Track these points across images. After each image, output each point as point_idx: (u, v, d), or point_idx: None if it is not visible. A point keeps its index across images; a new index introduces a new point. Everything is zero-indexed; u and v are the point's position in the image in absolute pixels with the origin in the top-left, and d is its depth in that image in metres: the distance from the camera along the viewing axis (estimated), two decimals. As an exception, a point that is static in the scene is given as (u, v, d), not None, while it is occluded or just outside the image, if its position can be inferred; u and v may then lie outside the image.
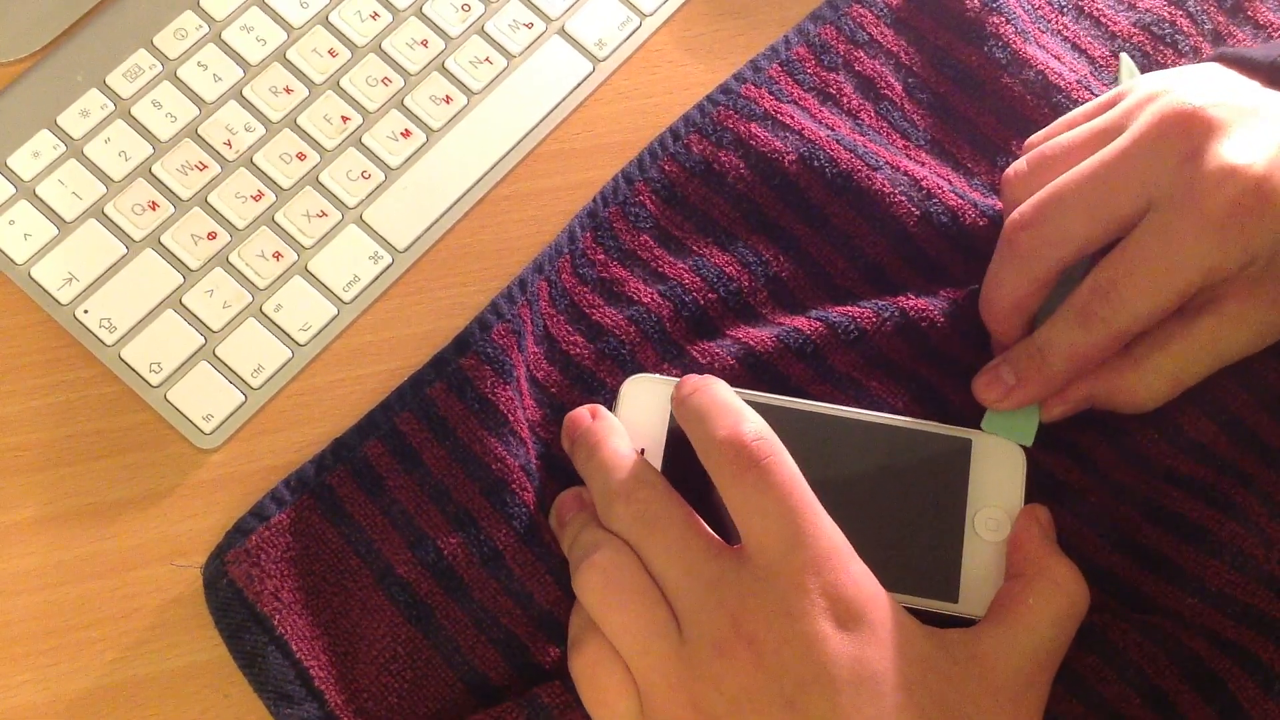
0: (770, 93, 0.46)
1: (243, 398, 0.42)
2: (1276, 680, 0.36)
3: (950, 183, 0.44)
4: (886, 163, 0.44)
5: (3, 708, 0.39)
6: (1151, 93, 0.38)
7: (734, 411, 0.36)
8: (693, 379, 0.38)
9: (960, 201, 0.43)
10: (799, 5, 0.48)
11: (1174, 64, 0.47)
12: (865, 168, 0.44)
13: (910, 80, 0.47)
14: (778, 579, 0.34)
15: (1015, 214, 0.39)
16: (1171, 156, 0.36)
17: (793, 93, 0.46)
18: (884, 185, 0.44)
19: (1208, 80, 0.38)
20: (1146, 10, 0.47)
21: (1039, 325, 0.39)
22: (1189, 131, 0.36)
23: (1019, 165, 0.40)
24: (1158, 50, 0.47)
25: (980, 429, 0.40)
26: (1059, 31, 0.48)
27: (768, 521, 0.34)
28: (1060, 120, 0.42)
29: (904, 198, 0.43)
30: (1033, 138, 0.42)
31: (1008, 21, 0.46)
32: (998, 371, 0.39)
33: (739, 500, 0.35)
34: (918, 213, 0.43)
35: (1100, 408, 0.40)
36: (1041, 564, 0.37)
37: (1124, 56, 0.46)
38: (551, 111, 0.47)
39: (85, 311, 0.43)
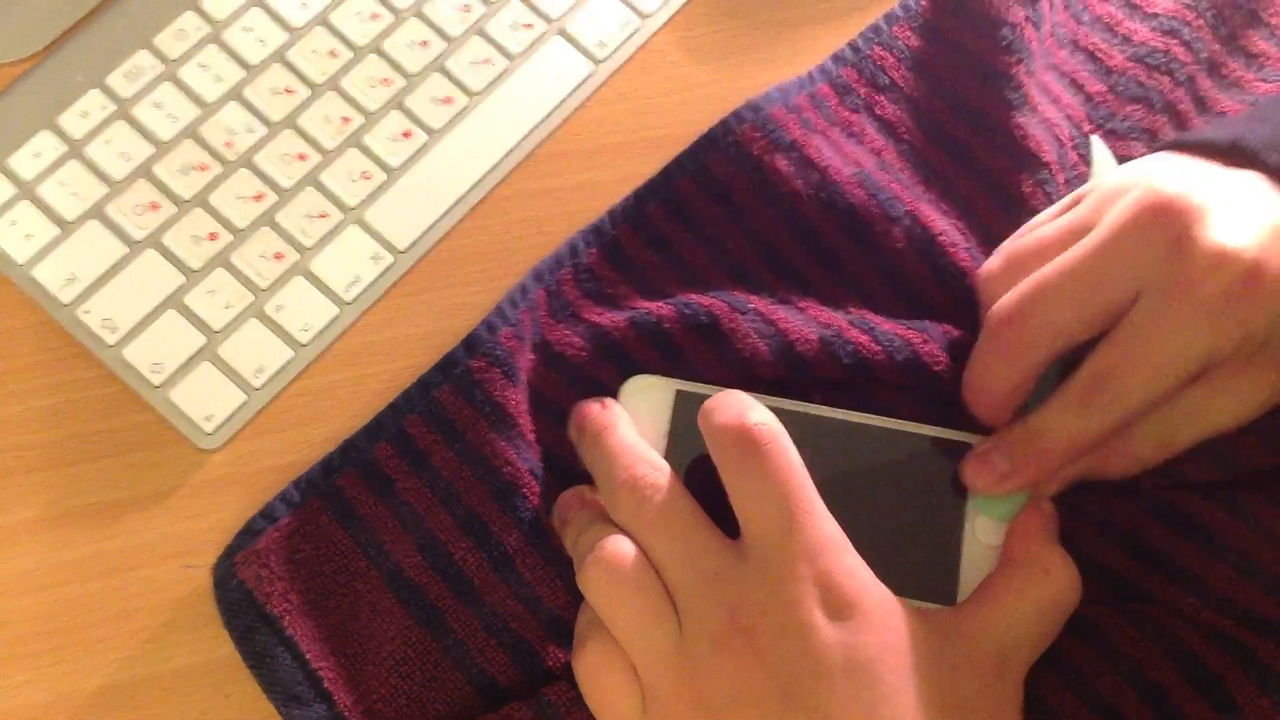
0: (800, 121, 0.45)
1: (244, 398, 0.42)
2: (1273, 678, 0.36)
3: (965, 238, 0.44)
4: (906, 212, 0.43)
5: (4, 707, 0.39)
6: (1120, 186, 0.38)
7: (741, 402, 0.36)
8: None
9: (974, 263, 0.43)
10: (799, 6, 0.49)
11: (1171, 92, 0.46)
12: (884, 218, 0.43)
13: (930, 127, 0.46)
14: (772, 567, 0.34)
15: (998, 308, 0.38)
16: (1157, 244, 0.35)
17: (819, 124, 0.46)
18: (899, 239, 0.43)
19: (1174, 170, 0.37)
20: (1141, 44, 0.47)
21: (1029, 408, 0.38)
22: (1170, 219, 0.35)
23: (992, 263, 0.40)
24: (1152, 77, 0.46)
25: (980, 434, 0.40)
26: (1057, 66, 0.47)
27: (765, 506, 0.35)
28: (1027, 226, 0.41)
29: (915, 255, 0.43)
30: (1003, 245, 0.41)
31: (1020, 61, 0.46)
32: (989, 457, 0.38)
33: (738, 483, 0.35)
34: (927, 271, 0.43)
35: (1088, 479, 0.40)
36: (1034, 552, 0.37)
37: (1095, 140, 0.45)
38: (552, 112, 0.47)
39: (86, 312, 0.43)
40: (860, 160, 0.45)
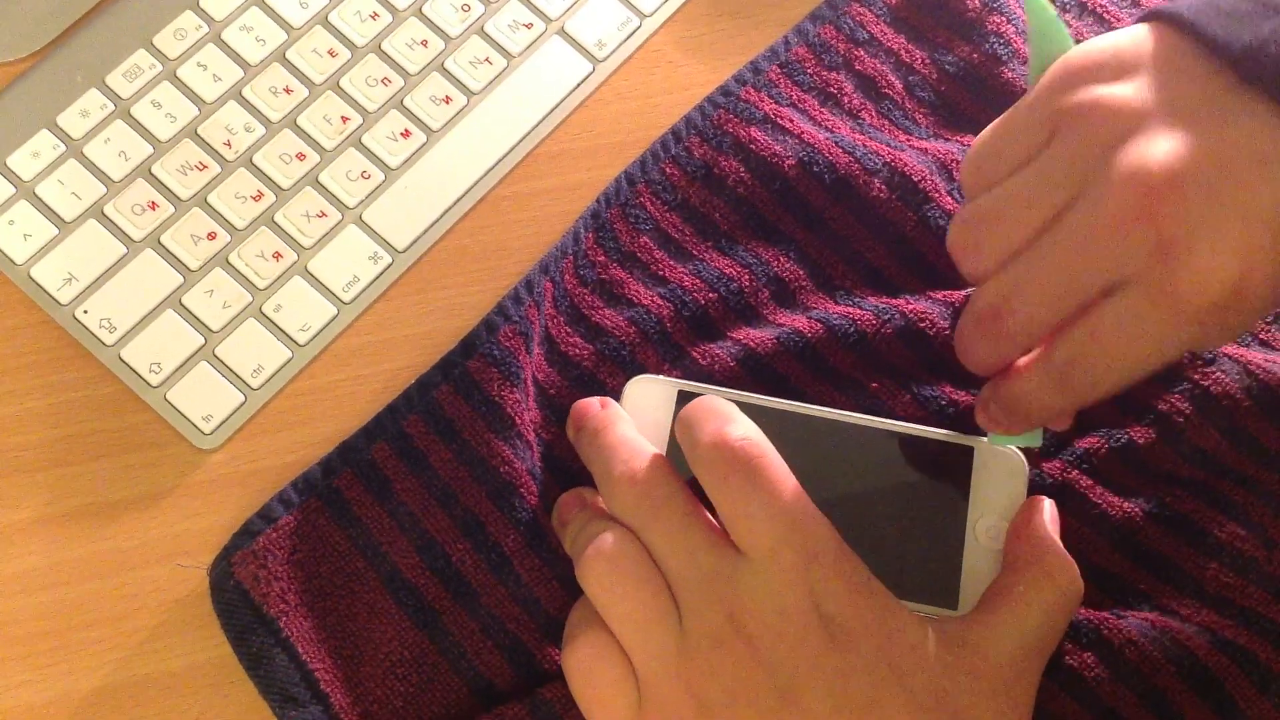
0: (770, 96, 0.46)
1: (242, 398, 0.42)
2: (1274, 680, 0.36)
3: (948, 181, 0.44)
4: (885, 164, 0.44)
5: (2, 708, 0.39)
6: (1094, 126, 0.34)
7: (720, 415, 0.36)
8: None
9: (958, 205, 0.43)
10: (798, 5, 0.48)
11: None
12: (863, 172, 0.44)
13: (911, 78, 0.47)
14: (770, 575, 0.34)
15: (982, 304, 0.36)
16: (1142, 246, 0.33)
17: (792, 95, 0.46)
18: (880, 191, 0.44)
19: (1164, 125, 0.33)
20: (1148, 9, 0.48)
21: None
22: (1158, 217, 0.32)
23: (963, 220, 0.36)
24: None
25: (982, 436, 0.40)
26: None
27: (755, 522, 0.34)
28: (990, 133, 0.37)
29: (900, 203, 0.44)
30: (968, 159, 0.38)
31: (1008, 21, 0.46)
32: (988, 407, 0.39)
33: (726, 502, 0.35)
34: (914, 217, 0.44)
35: None
36: (1035, 553, 0.37)
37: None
38: (551, 112, 0.47)
39: (85, 312, 0.43)
40: (836, 126, 0.46)
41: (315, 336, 0.43)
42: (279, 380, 0.43)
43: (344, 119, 0.46)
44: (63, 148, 0.45)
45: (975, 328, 0.37)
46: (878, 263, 0.44)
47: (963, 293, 0.43)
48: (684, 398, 0.40)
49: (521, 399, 0.41)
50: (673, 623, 0.35)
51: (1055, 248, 0.34)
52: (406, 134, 0.46)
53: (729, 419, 0.36)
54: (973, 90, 0.47)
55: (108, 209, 0.44)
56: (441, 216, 0.45)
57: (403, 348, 0.44)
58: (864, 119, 0.46)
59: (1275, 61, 0.32)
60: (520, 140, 0.46)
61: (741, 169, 0.45)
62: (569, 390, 0.42)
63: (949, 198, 0.44)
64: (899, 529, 0.39)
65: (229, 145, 0.45)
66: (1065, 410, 0.37)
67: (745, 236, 0.44)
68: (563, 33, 0.48)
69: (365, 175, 0.45)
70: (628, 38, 0.48)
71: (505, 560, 0.39)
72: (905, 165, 0.44)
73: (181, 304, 0.43)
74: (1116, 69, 0.35)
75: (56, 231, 0.44)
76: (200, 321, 0.43)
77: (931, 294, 0.43)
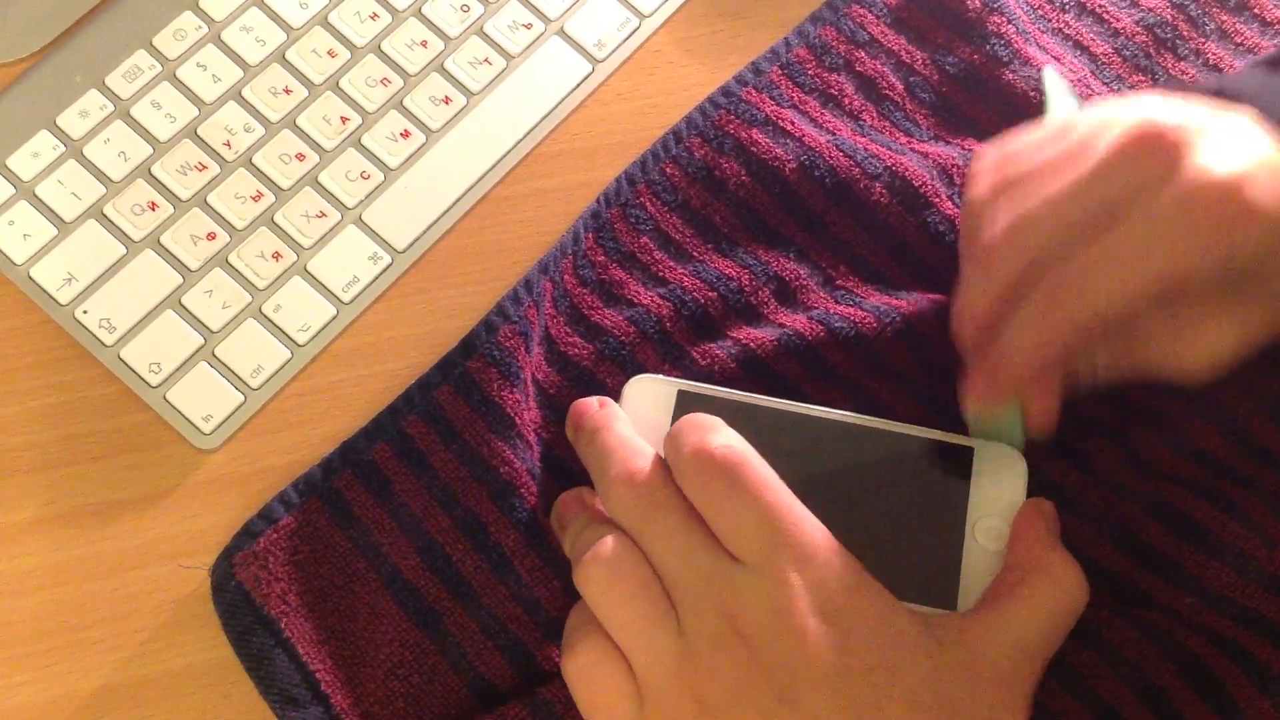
0: (771, 97, 0.46)
1: (242, 398, 0.42)
2: (1274, 680, 0.36)
3: (948, 186, 0.44)
4: (886, 168, 0.44)
5: (2, 708, 0.39)
6: (1113, 118, 0.37)
7: (701, 427, 0.36)
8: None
9: (957, 210, 0.43)
10: (798, 6, 0.49)
11: (1173, 68, 0.47)
12: (864, 176, 0.44)
13: (912, 79, 0.47)
14: (765, 577, 0.34)
15: (986, 235, 0.38)
16: (1153, 169, 0.35)
17: (793, 96, 0.46)
18: (881, 195, 0.44)
19: (1167, 103, 0.37)
20: (1149, 10, 0.48)
21: None
22: (1169, 146, 0.35)
23: (981, 190, 0.39)
24: (1159, 53, 0.47)
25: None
26: (1060, 30, 0.48)
27: (744, 527, 0.34)
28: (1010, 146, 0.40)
29: (901, 208, 0.44)
30: (991, 175, 0.40)
31: (1009, 21, 0.46)
32: (974, 379, 0.39)
33: (711, 509, 0.35)
34: (915, 221, 0.44)
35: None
36: (1041, 557, 0.37)
37: (1048, 70, 0.45)
38: (551, 112, 0.47)
39: (85, 312, 0.43)
40: (837, 128, 0.46)
41: (315, 337, 0.43)
42: (279, 380, 0.43)
43: (343, 119, 0.46)
44: (62, 148, 0.45)
45: (977, 267, 0.38)
46: (878, 267, 0.44)
47: None
48: (683, 397, 0.40)
49: (521, 399, 0.41)
50: (671, 626, 0.35)
51: (1066, 180, 0.36)
52: (406, 134, 0.46)
53: (710, 429, 0.36)
54: (973, 91, 0.47)
55: (107, 209, 0.44)
56: (441, 217, 0.45)
57: (402, 348, 0.44)
58: (865, 120, 0.46)
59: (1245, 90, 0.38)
60: (520, 140, 0.46)
61: (743, 172, 0.45)
62: (569, 390, 0.42)
63: (950, 203, 0.44)
64: (898, 529, 0.39)
65: (229, 146, 0.45)
66: (1050, 348, 0.37)
67: (746, 239, 0.44)
68: (562, 33, 0.48)
69: (365, 175, 0.45)
70: (627, 38, 0.48)
71: (506, 560, 0.39)
72: (906, 170, 0.44)
73: (181, 304, 0.43)
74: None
75: (56, 232, 0.44)
76: (200, 322, 0.43)
77: (933, 296, 0.43)
